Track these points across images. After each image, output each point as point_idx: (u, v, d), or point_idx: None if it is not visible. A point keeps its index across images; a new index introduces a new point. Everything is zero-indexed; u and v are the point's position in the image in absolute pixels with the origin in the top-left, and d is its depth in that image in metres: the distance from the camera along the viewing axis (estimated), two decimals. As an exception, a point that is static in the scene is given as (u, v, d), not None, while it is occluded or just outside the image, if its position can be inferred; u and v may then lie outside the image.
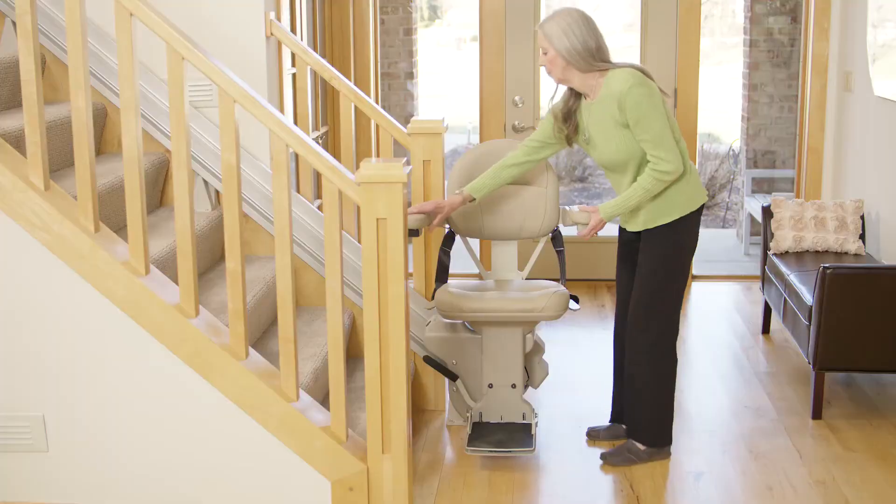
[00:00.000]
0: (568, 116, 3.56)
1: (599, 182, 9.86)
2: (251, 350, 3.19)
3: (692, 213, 3.51)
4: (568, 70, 3.42)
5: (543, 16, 6.04)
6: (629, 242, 3.68)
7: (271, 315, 3.87)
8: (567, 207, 3.80)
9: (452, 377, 3.86)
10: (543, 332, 5.13)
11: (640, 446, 3.69)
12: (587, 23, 3.41)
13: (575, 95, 3.54)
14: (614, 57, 3.48)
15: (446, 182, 4.01)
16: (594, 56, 3.39)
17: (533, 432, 3.73)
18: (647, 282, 3.54)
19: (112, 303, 3.06)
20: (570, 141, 3.60)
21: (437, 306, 3.74)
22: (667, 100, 3.51)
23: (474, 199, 3.71)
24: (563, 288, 3.76)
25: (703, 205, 3.54)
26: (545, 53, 3.43)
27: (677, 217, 3.49)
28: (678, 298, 3.58)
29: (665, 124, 3.36)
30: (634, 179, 3.46)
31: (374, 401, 3.06)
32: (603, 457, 3.71)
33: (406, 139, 4.14)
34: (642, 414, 3.65)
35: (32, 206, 3.01)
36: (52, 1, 3.81)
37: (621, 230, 3.70)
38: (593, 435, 3.87)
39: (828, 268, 3.92)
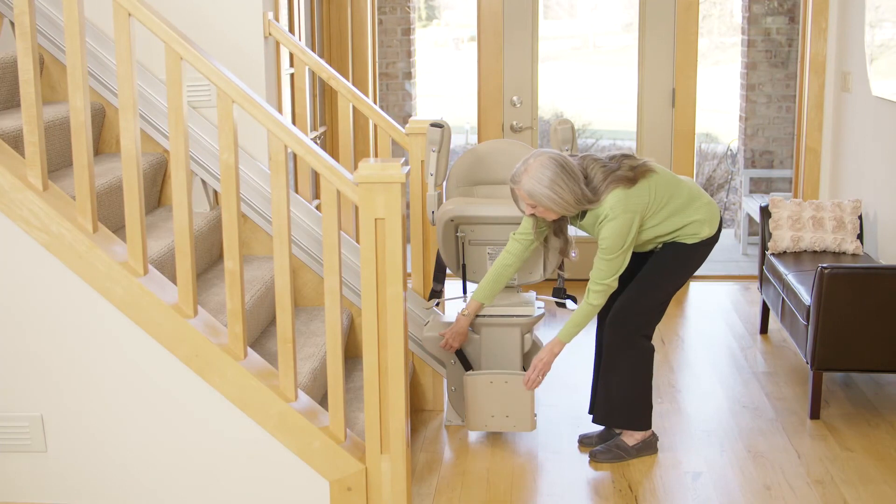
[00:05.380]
0: (556, 234, 3.58)
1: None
2: (249, 350, 3.19)
3: (709, 239, 3.58)
4: (561, 214, 3.42)
5: (542, 15, 6.05)
6: None
7: (270, 315, 3.87)
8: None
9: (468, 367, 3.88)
10: (542, 333, 5.14)
11: (629, 443, 3.71)
12: (565, 168, 3.34)
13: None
14: (596, 153, 3.47)
15: (445, 182, 4.01)
16: (585, 196, 3.36)
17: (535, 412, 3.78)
18: (646, 284, 3.58)
19: (110, 303, 3.06)
20: (560, 249, 3.64)
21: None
22: (656, 176, 3.45)
23: (483, 305, 3.72)
24: None
25: (718, 234, 3.60)
26: (533, 207, 3.40)
27: (695, 242, 3.55)
28: (665, 304, 3.65)
29: (622, 253, 3.39)
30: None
31: (372, 401, 3.06)
32: (592, 454, 3.73)
33: (404, 139, 4.15)
34: (619, 401, 3.67)
35: (30, 206, 3.01)
36: (51, 1, 3.81)
37: None
38: (586, 442, 3.87)
39: (826, 268, 3.92)
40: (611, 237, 3.39)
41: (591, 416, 3.85)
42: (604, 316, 3.80)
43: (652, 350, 3.67)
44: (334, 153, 5.46)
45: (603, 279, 3.46)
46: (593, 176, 3.40)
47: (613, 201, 3.37)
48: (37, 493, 3.24)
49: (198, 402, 3.12)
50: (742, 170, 7.97)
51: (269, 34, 4.01)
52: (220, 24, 3.89)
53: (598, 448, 3.74)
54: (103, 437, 3.19)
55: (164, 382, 3.12)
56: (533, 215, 3.47)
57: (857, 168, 5.27)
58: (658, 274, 3.58)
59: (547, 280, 3.98)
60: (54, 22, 3.82)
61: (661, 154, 6.01)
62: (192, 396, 3.12)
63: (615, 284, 3.48)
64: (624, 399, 3.66)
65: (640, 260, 3.65)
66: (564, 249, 3.63)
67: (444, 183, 4.01)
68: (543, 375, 3.62)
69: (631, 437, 3.73)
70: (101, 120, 3.99)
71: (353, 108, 4.31)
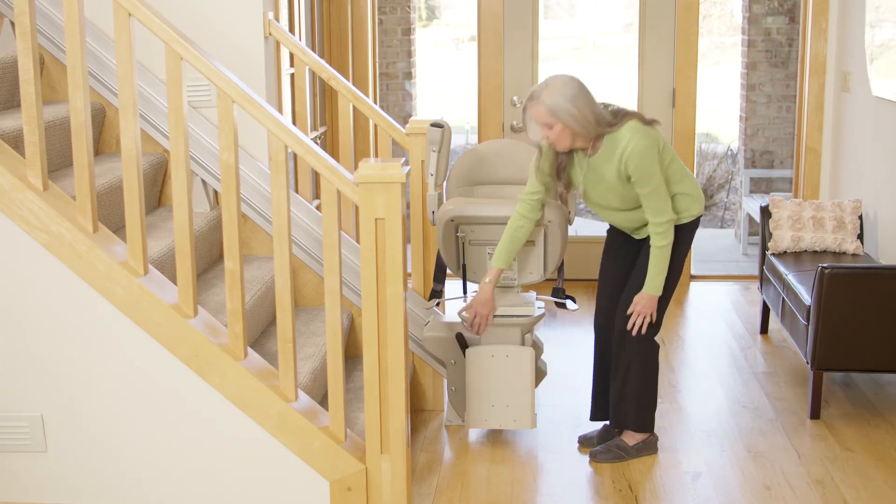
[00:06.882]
0: (559, 173, 3.54)
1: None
2: (250, 350, 3.19)
3: (696, 219, 3.61)
4: (576, 138, 3.39)
5: (542, 15, 6.05)
6: (619, 236, 3.72)
7: (270, 315, 3.87)
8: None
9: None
10: (542, 332, 5.14)
11: (629, 443, 3.72)
12: (585, 88, 3.37)
13: (565, 153, 3.50)
14: (610, 99, 3.47)
15: (445, 182, 4.01)
16: (604, 118, 3.37)
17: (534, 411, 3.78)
18: (645, 276, 3.57)
19: (110, 303, 3.06)
20: (559, 194, 3.61)
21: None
22: (659, 128, 3.49)
23: (503, 270, 3.69)
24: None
25: (701, 213, 3.64)
26: (549, 128, 3.36)
27: (685, 222, 3.57)
28: (670, 292, 3.63)
29: (660, 179, 3.40)
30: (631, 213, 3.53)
31: (372, 401, 3.07)
32: (593, 455, 3.72)
33: (404, 139, 4.15)
34: (631, 400, 3.67)
35: (30, 206, 3.01)
36: (51, 1, 3.81)
37: (612, 228, 3.73)
38: (586, 443, 3.86)
39: (826, 267, 3.92)
40: (640, 167, 3.35)
41: (592, 419, 3.88)
42: (603, 319, 3.79)
43: (657, 347, 3.66)
44: (334, 153, 5.46)
45: (658, 218, 3.44)
46: (612, 113, 3.42)
47: (632, 129, 3.36)
48: (37, 493, 3.24)
49: (198, 402, 3.12)
50: (742, 170, 7.98)
51: (270, 34, 4.01)
52: (220, 24, 3.90)
53: (599, 448, 3.74)
54: (103, 437, 3.19)
55: (164, 382, 3.12)
56: (539, 150, 3.45)
57: (857, 168, 5.27)
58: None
59: (547, 280, 3.99)
60: (54, 22, 3.82)
61: (662, 154, 6.02)
62: (192, 396, 3.12)
63: (673, 215, 3.46)
64: (633, 396, 3.67)
65: (632, 253, 3.65)
66: (564, 195, 3.60)
67: (445, 183, 4.01)
68: (645, 321, 3.57)
69: (631, 437, 3.73)
70: (101, 120, 3.99)
71: (354, 107, 4.31)
